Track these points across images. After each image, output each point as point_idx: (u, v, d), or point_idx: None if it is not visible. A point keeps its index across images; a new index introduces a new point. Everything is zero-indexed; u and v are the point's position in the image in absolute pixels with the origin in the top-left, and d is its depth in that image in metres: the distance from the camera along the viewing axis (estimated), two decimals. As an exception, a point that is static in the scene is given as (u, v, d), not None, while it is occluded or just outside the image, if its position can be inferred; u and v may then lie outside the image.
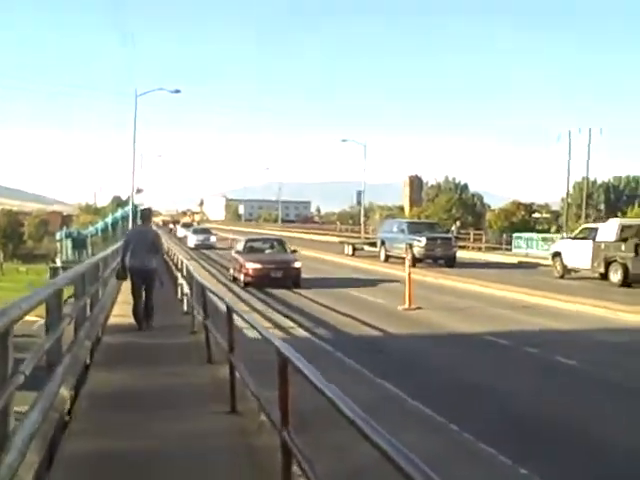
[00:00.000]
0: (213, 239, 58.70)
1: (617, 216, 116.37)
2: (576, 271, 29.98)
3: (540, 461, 7.47)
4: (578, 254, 29.31)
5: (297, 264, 26.69)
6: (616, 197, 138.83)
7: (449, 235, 41.25)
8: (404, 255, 36.84)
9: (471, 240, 55.61)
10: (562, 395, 10.54)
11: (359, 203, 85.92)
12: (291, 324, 17.02)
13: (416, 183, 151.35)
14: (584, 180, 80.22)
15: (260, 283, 25.58)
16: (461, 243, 49.77)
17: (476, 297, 23.52)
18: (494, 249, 51.52)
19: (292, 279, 26.13)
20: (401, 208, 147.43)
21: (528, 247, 48.13)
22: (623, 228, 27.84)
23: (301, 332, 15.86)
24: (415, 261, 35.34)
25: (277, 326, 16.44)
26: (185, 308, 16.26)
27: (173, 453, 6.56)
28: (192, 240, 57.76)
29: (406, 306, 20.04)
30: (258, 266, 26.04)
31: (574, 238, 30.79)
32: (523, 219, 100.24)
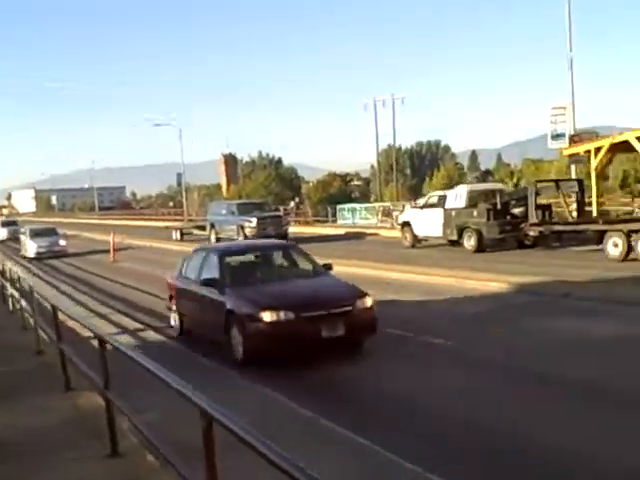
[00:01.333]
0: (63, 243, 41.66)
1: (424, 179, 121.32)
2: (426, 240, 30.14)
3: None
4: (428, 223, 29.25)
5: (368, 301, 11.94)
6: (420, 161, 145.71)
7: (279, 213, 41.42)
8: (235, 237, 36.65)
9: (294, 215, 55.73)
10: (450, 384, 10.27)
11: (179, 185, 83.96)
12: (136, 324, 15.89)
13: (231, 161, 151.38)
14: (391, 148, 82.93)
15: (294, 351, 11.40)
16: (298, 219, 49.93)
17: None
18: (320, 222, 51.94)
19: (361, 336, 12.08)
20: (218, 186, 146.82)
21: (353, 218, 48.78)
22: (471, 194, 28.15)
23: (151, 334, 14.79)
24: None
25: (122, 327, 15.36)
26: (23, 323, 14.78)
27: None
28: (32, 248, 40.14)
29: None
30: (289, 316, 11.23)
31: (422, 207, 30.67)
32: (340, 189, 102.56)
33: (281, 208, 52.29)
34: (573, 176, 32.93)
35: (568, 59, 35.14)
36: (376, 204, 54.19)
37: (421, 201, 44.92)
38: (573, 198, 28.05)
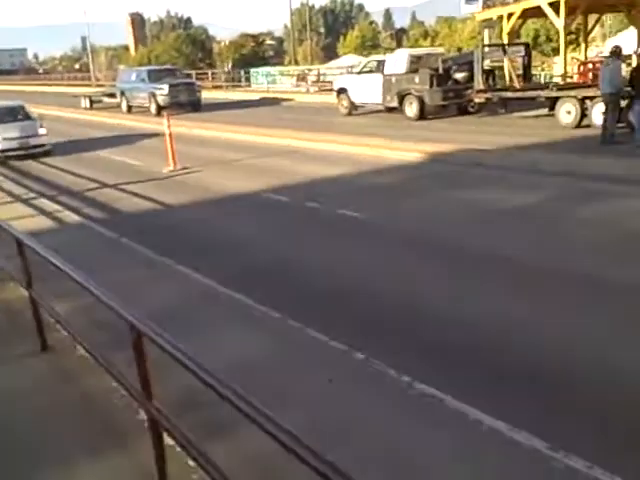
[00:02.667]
0: (43, 131, 24.44)
1: (338, 39, 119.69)
2: (362, 106, 29.41)
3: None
4: (366, 89, 28.27)
5: None
6: (333, 20, 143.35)
7: (191, 80, 40.40)
8: (147, 105, 35.80)
9: (210, 79, 54.39)
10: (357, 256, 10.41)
11: (84, 49, 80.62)
12: (57, 207, 15.54)
13: (138, 21, 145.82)
14: (304, 6, 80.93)
15: None
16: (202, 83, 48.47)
17: (244, 148, 22.75)
18: (234, 87, 50.94)
19: None
20: (126, 48, 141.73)
21: (268, 82, 47.92)
22: (412, 59, 26.99)
23: (71, 216, 14.51)
24: (160, 109, 34.61)
25: (42, 212, 15.07)
26: None
27: None
28: None
29: (171, 168, 19.14)
30: None
31: (360, 72, 29.48)
32: (253, 50, 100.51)
33: (193, 73, 50.92)
34: (486, 41, 32.99)
35: None
36: (291, 67, 53.36)
37: (344, 59, 44.21)
38: (519, 63, 27.23)
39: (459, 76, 26.40)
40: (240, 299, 8.61)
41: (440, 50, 30.11)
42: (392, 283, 9.02)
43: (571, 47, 35.87)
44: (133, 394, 4.58)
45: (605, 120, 17.77)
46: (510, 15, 30.17)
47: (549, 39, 62.15)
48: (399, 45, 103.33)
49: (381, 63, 28.27)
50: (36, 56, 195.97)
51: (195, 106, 36.02)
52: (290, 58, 75.68)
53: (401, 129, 23.70)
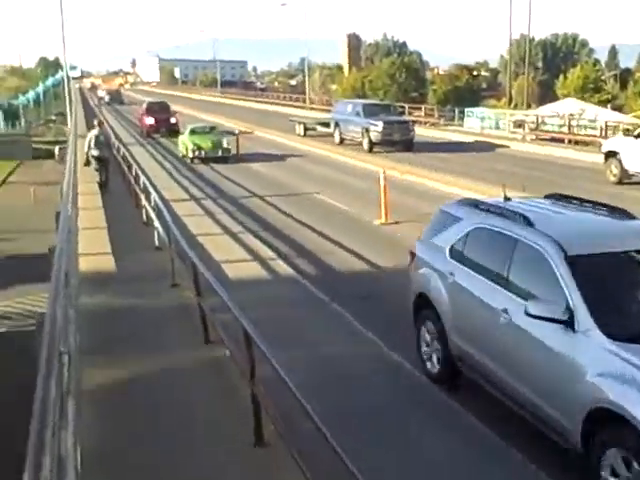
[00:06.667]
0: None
1: (556, 75, 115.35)
2: (635, 175, 24.67)
3: None
4: None
5: None
6: (553, 54, 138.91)
7: (406, 118, 40.30)
8: (359, 139, 36.14)
9: (423, 115, 54.27)
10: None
11: (301, 68, 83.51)
12: (271, 254, 15.69)
13: (354, 42, 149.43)
14: (523, 37, 78.46)
15: None
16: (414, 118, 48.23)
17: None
18: (446, 125, 50.43)
19: None
20: (340, 67, 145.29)
21: (482, 124, 46.48)
22: None
23: (285, 268, 14.55)
24: (372, 145, 34.91)
25: (256, 257, 15.31)
26: (157, 242, 14.94)
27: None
28: None
29: (382, 220, 18.93)
30: None
31: (638, 136, 24.42)
32: (467, 82, 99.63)
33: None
34: None
35: None
36: (507, 111, 51.76)
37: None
38: None
39: None
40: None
41: None
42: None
43: None
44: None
45: None
46: None
47: None
48: (623, 88, 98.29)
49: None
50: (255, 69, 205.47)
51: (408, 145, 35.73)
52: (505, 94, 73.69)
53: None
